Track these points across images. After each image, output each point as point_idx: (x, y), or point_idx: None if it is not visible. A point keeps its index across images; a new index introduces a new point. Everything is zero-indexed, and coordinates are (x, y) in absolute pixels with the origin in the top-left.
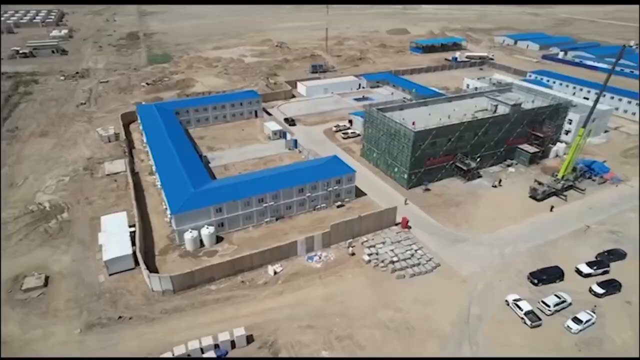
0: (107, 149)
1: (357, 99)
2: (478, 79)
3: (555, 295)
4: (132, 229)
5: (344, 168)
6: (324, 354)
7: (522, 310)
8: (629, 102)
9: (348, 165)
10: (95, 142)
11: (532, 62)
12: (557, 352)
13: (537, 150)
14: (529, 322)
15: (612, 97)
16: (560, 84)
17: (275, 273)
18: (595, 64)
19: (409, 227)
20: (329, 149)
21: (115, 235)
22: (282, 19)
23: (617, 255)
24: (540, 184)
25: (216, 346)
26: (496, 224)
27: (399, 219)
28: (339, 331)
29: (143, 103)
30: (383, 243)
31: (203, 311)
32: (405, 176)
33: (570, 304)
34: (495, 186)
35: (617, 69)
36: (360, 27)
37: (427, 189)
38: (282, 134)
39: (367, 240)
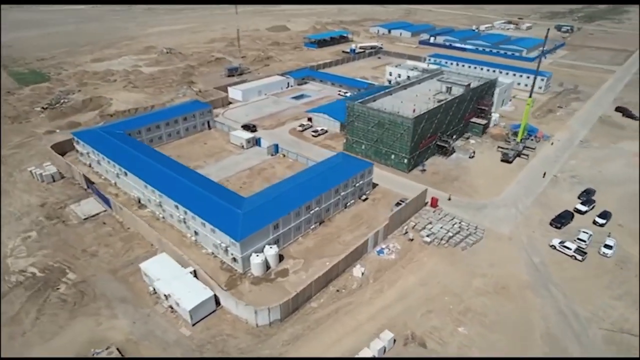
0: (55, 190)
1: (295, 98)
2: (397, 66)
3: (584, 232)
4: (190, 269)
5: (362, 163)
6: (461, 330)
7: (570, 250)
8: (521, 76)
9: (363, 160)
10: (34, 185)
11: (412, 48)
12: (608, 274)
13: (485, 121)
14: (579, 257)
15: (507, 73)
16: (457, 65)
17: (362, 274)
18: (462, 46)
19: (437, 206)
20: (308, 149)
21: (178, 280)
22: (147, 23)
23: (591, 192)
24: (506, 149)
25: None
26: (496, 188)
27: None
28: (456, 307)
29: (76, 130)
30: (430, 223)
31: (323, 330)
32: (405, 161)
33: (592, 235)
34: (472, 157)
35: (503, 52)
36: (238, 27)
37: (424, 170)
38: (255, 142)
39: (415, 225)
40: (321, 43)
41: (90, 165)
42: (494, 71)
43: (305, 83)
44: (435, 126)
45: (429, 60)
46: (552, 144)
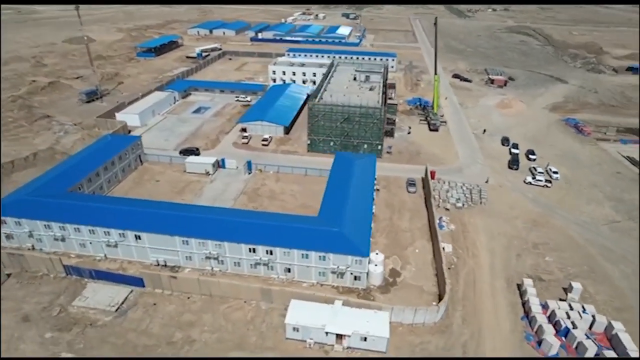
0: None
1: (196, 112)
2: (274, 64)
3: (538, 168)
4: (339, 302)
5: (368, 157)
6: (548, 259)
7: (541, 181)
8: (369, 59)
9: (367, 154)
10: None
11: (248, 45)
12: (568, 190)
13: (396, 101)
14: (549, 185)
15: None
16: (311, 56)
17: (449, 249)
18: (293, 38)
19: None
20: (275, 159)
21: (340, 316)
22: None
23: (508, 139)
24: (433, 121)
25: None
26: (452, 153)
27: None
28: (529, 246)
29: None
30: (447, 192)
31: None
32: (379, 147)
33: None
34: (409, 133)
35: (331, 40)
36: (85, 38)
37: (390, 152)
38: (219, 164)
39: (439, 196)
40: (158, 51)
41: (32, 248)
42: (351, 58)
43: (189, 95)
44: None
45: (289, 54)
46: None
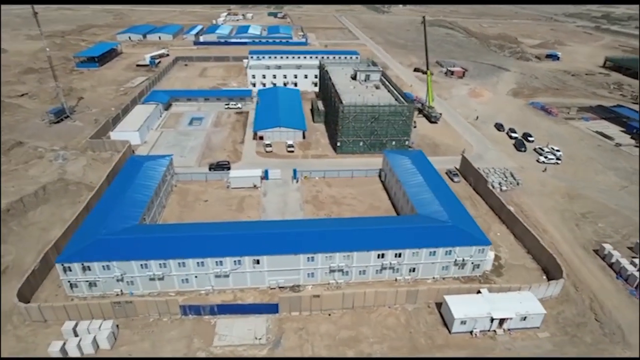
0: None
1: (190, 124)
2: (250, 68)
3: (545, 148)
4: (485, 290)
5: (415, 153)
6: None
7: (553, 158)
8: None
9: (413, 150)
10: None
11: (194, 50)
12: (575, 164)
13: None
14: (559, 162)
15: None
16: (275, 57)
17: None
18: (238, 40)
19: None
20: (311, 164)
21: (496, 302)
22: None
23: (502, 124)
24: (432, 114)
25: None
26: (461, 142)
27: None
28: (587, 215)
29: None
30: (487, 175)
31: None
32: (407, 143)
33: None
34: (415, 127)
35: (278, 40)
36: (48, 50)
37: (413, 143)
38: (264, 175)
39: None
40: (101, 60)
41: (121, 293)
42: (322, 57)
43: (170, 106)
44: None
45: (252, 57)
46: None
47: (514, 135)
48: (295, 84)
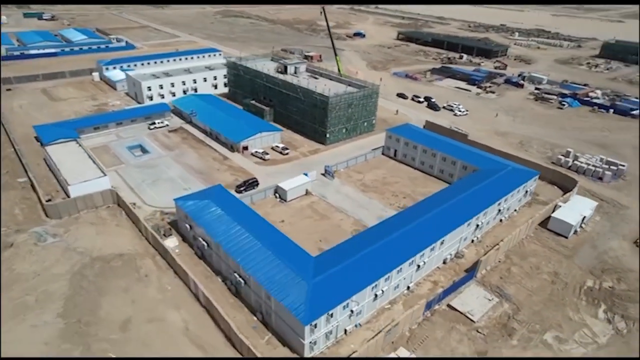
0: None
1: (140, 155)
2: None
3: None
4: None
5: (413, 126)
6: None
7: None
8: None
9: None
10: None
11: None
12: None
13: None
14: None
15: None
16: (142, 65)
17: None
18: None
19: None
20: (317, 161)
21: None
22: None
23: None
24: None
25: None
26: (386, 108)
27: None
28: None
29: None
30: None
31: None
32: (374, 121)
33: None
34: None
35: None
36: None
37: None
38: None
39: None
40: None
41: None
42: (186, 58)
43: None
44: None
45: (107, 69)
46: None
47: (420, 99)
48: (196, 90)
